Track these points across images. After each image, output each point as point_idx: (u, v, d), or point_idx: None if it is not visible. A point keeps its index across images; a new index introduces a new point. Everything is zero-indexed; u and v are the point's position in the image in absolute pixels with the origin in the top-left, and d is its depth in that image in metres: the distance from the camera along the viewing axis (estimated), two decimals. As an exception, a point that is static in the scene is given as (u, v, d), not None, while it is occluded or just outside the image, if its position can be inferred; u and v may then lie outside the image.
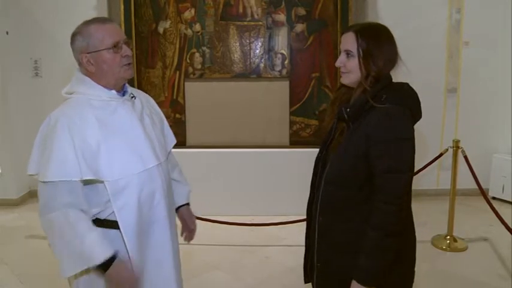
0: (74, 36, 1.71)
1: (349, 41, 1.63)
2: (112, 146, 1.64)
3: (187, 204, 2.10)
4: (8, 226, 4.34)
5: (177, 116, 4.64)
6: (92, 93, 1.69)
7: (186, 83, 4.68)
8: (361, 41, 1.60)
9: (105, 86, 1.70)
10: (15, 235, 4.11)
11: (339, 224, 1.65)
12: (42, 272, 3.44)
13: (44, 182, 1.60)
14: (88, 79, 1.71)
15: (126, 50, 1.69)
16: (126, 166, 1.65)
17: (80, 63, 1.71)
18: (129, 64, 1.72)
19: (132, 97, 1.79)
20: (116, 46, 1.66)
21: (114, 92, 1.72)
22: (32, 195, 5.11)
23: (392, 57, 1.64)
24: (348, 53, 1.63)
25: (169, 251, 1.81)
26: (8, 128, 4.83)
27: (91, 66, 1.68)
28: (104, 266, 1.59)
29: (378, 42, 1.61)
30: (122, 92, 1.77)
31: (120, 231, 1.67)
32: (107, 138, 1.64)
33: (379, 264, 1.56)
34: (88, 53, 1.67)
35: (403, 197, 1.55)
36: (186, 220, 2.09)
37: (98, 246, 1.58)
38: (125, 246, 1.67)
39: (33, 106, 4.94)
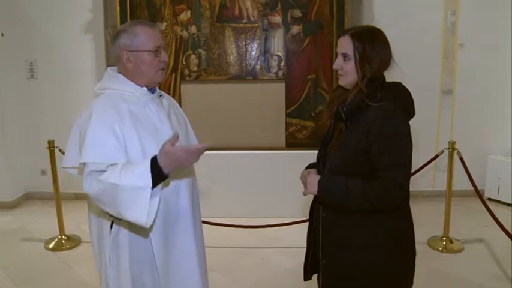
0: (119, 32, 1.80)
1: (345, 45, 1.69)
2: (143, 138, 1.72)
3: None
4: (3, 229, 4.32)
5: (173, 118, 4.63)
6: (124, 89, 1.79)
7: (182, 85, 4.67)
8: (357, 44, 1.66)
9: (136, 84, 1.80)
10: (10, 238, 4.09)
11: (342, 219, 1.71)
12: (37, 274, 3.42)
13: (83, 164, 1.68)
14: (121, 76, 1.81)
15: (164, 56, 1.81)
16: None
17: (119, 59, 1.80)
18: (163, 69, 1.83)
19: (160, 95, 1.90)
20: (157, 50, 1.77)
21: (145, 88, 1.82)
22: (27, 198, 5.09)
23: (387, 59, 1.70)
24: (345, 56, 1.69)
25: (193, 248, 1.87)
26: (3, 130, 4.81)
27: (129, 64, 1.78)
28: (159, 176, 1.59)
29: (373, 45, 1.67)
30: (152, 90, 1.86)
31: None
32: (138, 129, 1.71)
33: (348, 198, 1.62)
34: (130, 51, 1.76)
35: (405, 188, 1.62)
36: None
37: (136, 176, 1.58)
38: (150, 239, 1.76)
39: (29, 108, 4.93)
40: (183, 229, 1.84)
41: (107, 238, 1.79)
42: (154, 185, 1.58)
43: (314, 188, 1.68)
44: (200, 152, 1.62)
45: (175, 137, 1.60)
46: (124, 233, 1.76)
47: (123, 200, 1.59)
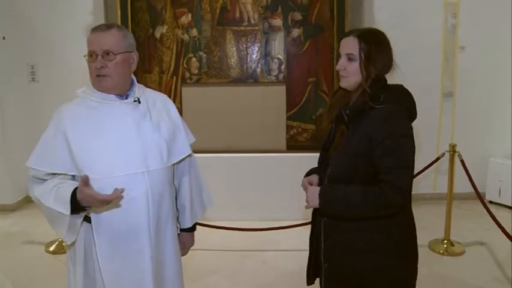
0: None
1: (351, 45, 1.67)
2: (97, 145, 1.67)
3: (189, 229, 2.07)
4: (4, 232, 4.31)
5: (174, 120, 4.63)
6: (91, 94, 1.76)
7: (182, 88, 4.68)
8: (363, 45, 1.64)
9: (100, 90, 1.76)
10: (10, 241, 4.08)
11: (343, 224, 1.69)
12: (37, 278, 3.42)
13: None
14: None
15: (98, 63, 1.69)
16: (107, 167, 1.65)
17: None
18: (103, 76, 1.71)
19: (135, 101, 1.78)
20: (91, 56, 1.70)
21: (112, 95, 1.75)
22: (28, 201, 5.08)
23: (389, 61, 1.70)
24: (350, 57, 1.67)
25: (148, 264, 1.74)
26: (4, 133, 4.82)
27: None
28: (78, 206, 1.61)
29: (378, 46, 1.66)
30: (125, 95, 1.79)
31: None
32: (94, 136, 1.68)
33: (349, 206, 1.61)
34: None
35: (407, 192, 1.61)
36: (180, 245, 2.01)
37: (59, 202, 1.63)
38: (96, 252, 1.71)
39: (30, 111, 4.93)
40: (136, 243, 1.71)
41: (67, 250, 1.85)
42: (75, 212, 1.62)
43: (315, 201, 1.67)
44: (108, 201, 1.57)
45: (85, 179, 1.55)
46: (80, 246, 1.75)
47: (49, 216, 1.70)
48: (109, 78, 1.72)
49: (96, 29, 1.72)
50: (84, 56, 1.73)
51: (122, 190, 1.54)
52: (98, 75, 1.71)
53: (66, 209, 1.60)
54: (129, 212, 1.69)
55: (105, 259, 1.70)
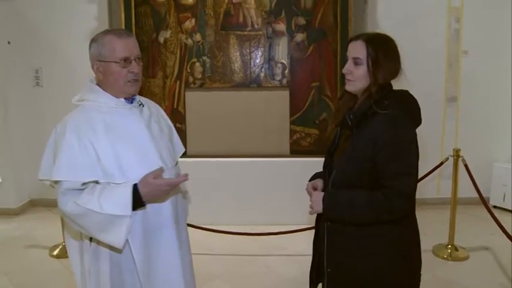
0: (91, 42, 1.77)
1: (358, 49, 1.66)
2: (119, 150, 1.69)
3: None
4: (8, 236, 4.33)
5: (178, 125, 4.63)
6: (100, 100, 1.76)
7: (186, 93, 4.69)
8: (370, 50, 1.64)
9: (112, 94, 1.77)
10: (14, 245, 4.09)
11: (347, 228, 1.69)
12: (41, 282, 3.42)
13: (55, 181, 1.69)
14: (97, 87, 1.78)
15: (134, 67, 1.73)
16: (131, 170, 1.67)
17: (92, 70, 1.78)
18: (135, 80, 1.75)
19: (140, 105, 1.84)
20: (125, 61, 1.71)
21: (122, 99, 1.78)
22: (32, 205, 5.11)
23: (397, 67, 1.69)
24: (356, 61, 1.66)
25: (177, 257, 1.82)
26: (9, 138, 4.84)
27: (99, 74, 1.75)
28: (137, 204, 1.64)
29: (386, 52, 1.66)
30: (130, 99, 1.82)
31: None
32: (114, 142, 1.69)
33: (354, 212, 1.63)
34: (99, 61, 1.73)
35: (410, 198, 1.61)
36: None
37: (116, 205, 1.62)
38: (131, 249, 1.72)
39: (34, 116, 4.96)
40: (166, 239, 1.79)
41: (87, 251, 1.79)
42: (134, 210, 1.63)
43: (319, 207, 1.68)
44: (179, 183, 1.66)
45: (160, 171, 1.62)
46: (105, 244, 1.74)
47: (100, 225, 1.64)
48: (138, 83, 1.78)
49: (121, 35, 1.74)
50: (112, 62, 1.71)
51: (186, 175, 1.66)
52: (132, 80, 1.74)
53: (126, 210, 1.61)
54: (159, 210, 1.76)
55: (141, 259, 1.73)
